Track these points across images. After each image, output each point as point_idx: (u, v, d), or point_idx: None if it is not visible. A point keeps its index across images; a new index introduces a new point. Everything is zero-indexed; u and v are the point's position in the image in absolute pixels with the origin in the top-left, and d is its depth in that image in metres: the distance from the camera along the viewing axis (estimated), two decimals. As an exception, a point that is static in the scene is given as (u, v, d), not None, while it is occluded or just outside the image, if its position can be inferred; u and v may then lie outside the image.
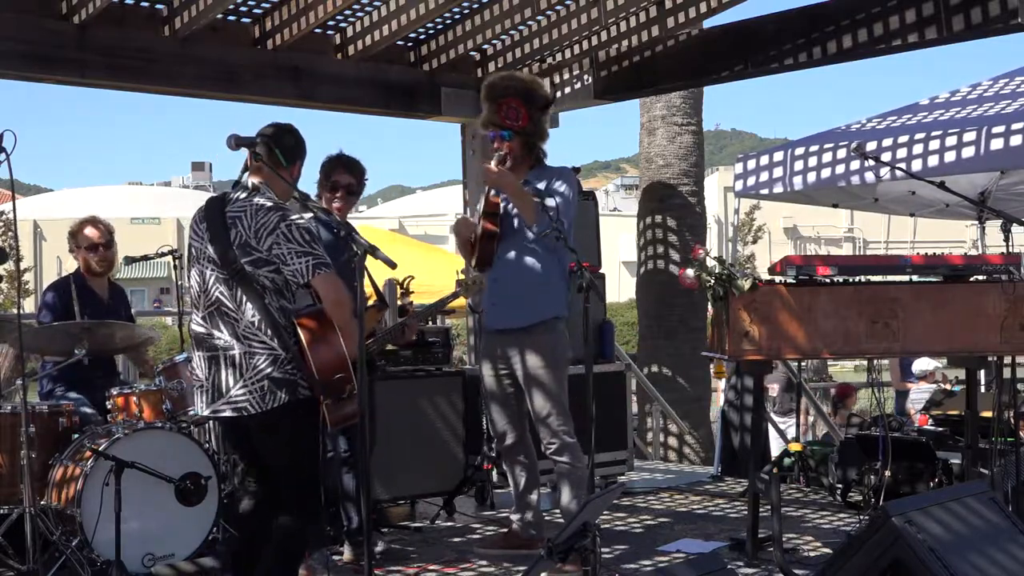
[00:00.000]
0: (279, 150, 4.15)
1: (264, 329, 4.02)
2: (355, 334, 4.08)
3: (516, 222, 5.26)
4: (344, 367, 4.03)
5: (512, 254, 5.30)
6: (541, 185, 5.23)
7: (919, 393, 10.81)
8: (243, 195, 4.13)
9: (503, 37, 7.66)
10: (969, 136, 6.93)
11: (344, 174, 5.32)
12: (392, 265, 4.11)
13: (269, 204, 4.08)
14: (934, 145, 7.07)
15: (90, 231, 6.00)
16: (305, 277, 4.01)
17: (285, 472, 4.12)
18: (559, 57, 7.84)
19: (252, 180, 4.17)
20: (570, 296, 5.31)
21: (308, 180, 5.99)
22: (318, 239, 4.10)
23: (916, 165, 7.04)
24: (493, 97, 5.35)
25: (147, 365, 6.06)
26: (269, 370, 4.01)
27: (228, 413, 4.08)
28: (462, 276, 5.95)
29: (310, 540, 4.28)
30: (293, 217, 4.06)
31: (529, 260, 5.26)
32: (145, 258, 6.34)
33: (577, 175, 6.05)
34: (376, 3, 7.01)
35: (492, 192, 5.29)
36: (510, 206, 5.27)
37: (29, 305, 20.54)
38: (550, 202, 5.14)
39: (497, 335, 5.36)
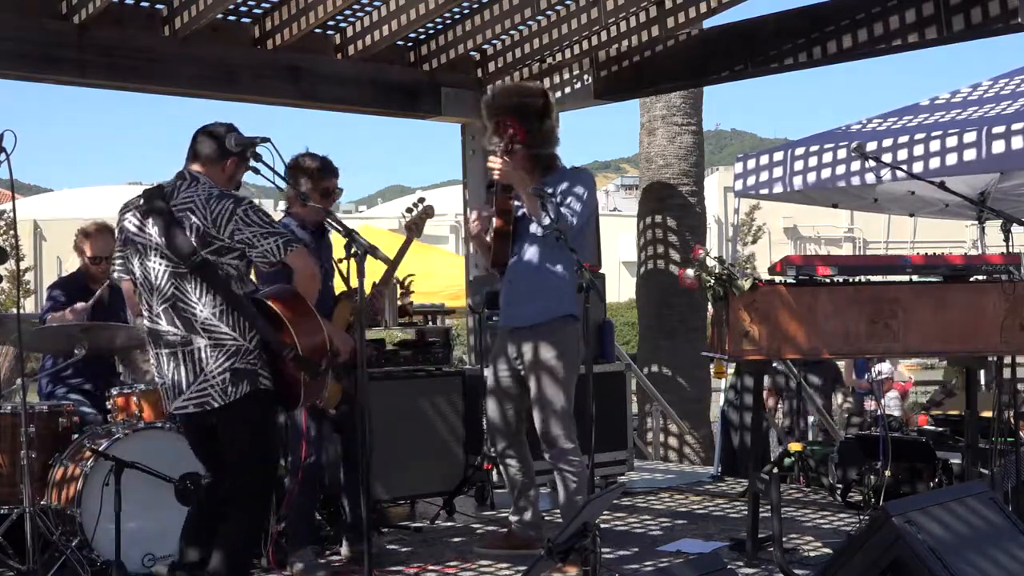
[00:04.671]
0: (218, 145, 4.18)
1: (226, 319, 4.02)
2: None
3: (530, 222, 5.23)
4: (324, 344, 4.13)
5: (526, 254, 5.28)
6: (560, 188, 5.17)
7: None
8: (184, 185, 4.13)
9: (503, 37, 7.66)
10: (970, 137, 6.91)
11: (333, 179, 5.37)
12: (392, 265, 4.12)
13: (217, 191, 4.09)
14: (934, 146, 7.05)
15: (92, 246, 5.89)
16: (278, 255, 4.06)
17: (242, 463, 4.11)
18: (559, 57, 7.83)
19: (193, 169, 4.19)
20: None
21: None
22: (272, 217, 4.18)
23: (916, 166, 7.01)
24: (490, 116, 5.33)
25: (139, 371, 5.93)
26: (231, 361, 4.02)
27: (191, 409, 4.08)
28: (408, 215, 5.73)
29: (261, 536, 4.29)
30: (246, 201, 4.10)
31: (543, 259, 5.24)
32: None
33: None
34: (376, 3, 7.01)
35: (503, 193, 5.27)
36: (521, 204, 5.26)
37: (30, 305, 20.50)
38: (563, 211, 5.10)
39: (510, 333, 5.35)
